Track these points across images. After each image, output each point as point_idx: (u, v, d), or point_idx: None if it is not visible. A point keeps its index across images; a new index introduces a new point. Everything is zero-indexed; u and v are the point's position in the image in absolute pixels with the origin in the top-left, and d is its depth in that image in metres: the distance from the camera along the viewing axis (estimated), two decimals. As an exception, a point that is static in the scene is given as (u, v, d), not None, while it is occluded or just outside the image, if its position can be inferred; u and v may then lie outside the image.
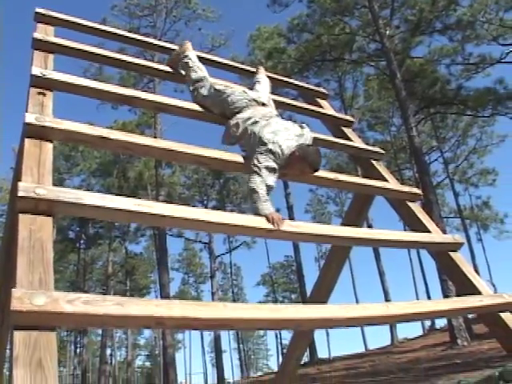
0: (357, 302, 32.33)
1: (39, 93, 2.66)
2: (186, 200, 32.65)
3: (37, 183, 2.03)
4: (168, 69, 3.82)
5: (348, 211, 4.31)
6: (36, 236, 1.84)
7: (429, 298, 26.40)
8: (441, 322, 30.46)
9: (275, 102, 4.14)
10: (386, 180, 3.77)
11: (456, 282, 3.44)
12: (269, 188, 2.82)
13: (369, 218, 27.97)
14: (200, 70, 3.60)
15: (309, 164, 3.01)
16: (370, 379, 11.98)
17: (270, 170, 2.86)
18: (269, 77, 4.72)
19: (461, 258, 3.40)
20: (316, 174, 3.14)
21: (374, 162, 4.00)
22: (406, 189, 3.81)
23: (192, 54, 3.72)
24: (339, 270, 4.17)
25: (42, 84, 2.70)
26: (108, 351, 48.12)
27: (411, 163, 25.81)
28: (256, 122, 3.10)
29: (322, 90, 4.87)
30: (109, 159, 35.38)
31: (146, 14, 28.02)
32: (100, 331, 42.54)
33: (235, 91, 3.38)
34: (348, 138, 4.15)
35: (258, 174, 2.81)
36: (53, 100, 2.69)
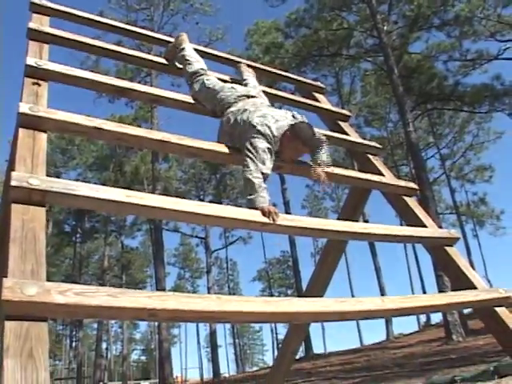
0: (353, 297, 32.36)
1: (34, 83, 2.64)
2: (183, 195, 32.57)
3: (30, 173, 2.02)
4: (165, 61, 3.80)
5: (344, 206, 4.30)
6: (29, 226, 1.83)
7: (424, 293, 26.45)
8: (436, 318, 30.65)
9: (271, 95, 4.14)
10: (382, 174, 3.76)
11: (451, 276, 3.44)
12: (265, 176, 2.76)
13: (365, 214, 27.98)
14: (196, 62, 3.56)
15: (302, 141, 2.94)
16: (365, 374, 12.00)
17: (264, 151, 2.80)
18: (266, 70, 4.71)
19: (456, 252, 3.40)
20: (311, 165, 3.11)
21: (370, 157, 3.98)
22: (402, 183, 3.80)
23: (188, 47, 3.68)
24: (335, 265, 4.16)
25: (37, 74, 2.68)
26: (104, 345, 48.26)
27: (408, 159, 25.86)
28: (245, 111, 3.06)
29: (318, 84, 4.85)
30: (105, 153, 35.37)
31: (143, 7, 27.97)
32: (96, 325, 42.55)
33: (224, 87, 3.34)
34: (345, 132, 4.13)
35: (253, 160, 2.75)
36: (48, 90, 2.67)
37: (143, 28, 4.36)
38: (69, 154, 36.44)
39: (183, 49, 3.65)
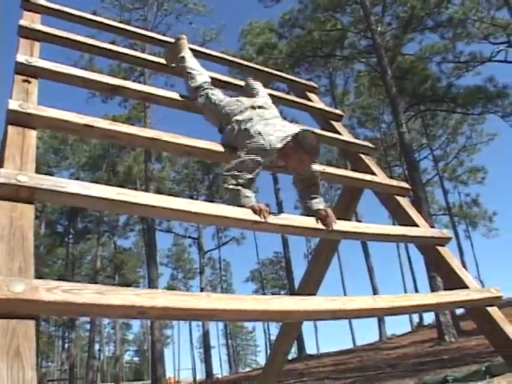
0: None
1: (24, 80, 2.62)
2: (176, 195, 32.52)
3: (19, 171, 2.00)
4: (159, 60, 3.79)
5: (336, 205, 4.29)
6: (17, 224, 1.81)
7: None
8: (429, 319, 30.76)
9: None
10: (375, 174, 3.75)
11: (443, 276, 3.44)
12: (249, 181, 2.71)
13: (358, 215, 28.05)
14: (199, 75, 3.43)
15: (305, 151, 2.74)
16: (358, 374, 12.01)
17: (248, 163, 2.72)
18: (259, 70, 4.70)
19: (448, 252, 3.40)
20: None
21: (363, 156, 3.98)
22: (394, 183, 3.80)
23: (188, 56, 3.57)
24: (327, 264, 4.15)
25: (27, 71, 2.65)
26: (96, 346, 48.15)
27: (401, 160, 25.92)
28: (250, 120, 2.95)
29: (311, 83, 4.85)
30: (98, 153, 35.26)
31: (136, 7, 27.89)
32: (88, 326, 42.40)
33: (230, 102, 3.22)
34: (337, 132, 4.13)
35: (234, 168, 2.71)
36: (38, 88, 2.65)
37: (137, 28, 4.33)
38: (61, 154, 36.30)
39: (183, 58, 3.54)
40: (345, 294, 39.75)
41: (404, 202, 3.68)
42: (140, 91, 3.24)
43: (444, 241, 3.44)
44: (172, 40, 3.95)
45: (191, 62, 3.54)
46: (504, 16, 21.01)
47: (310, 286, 4.08)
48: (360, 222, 24.52)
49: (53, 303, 1.53)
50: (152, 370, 24.83)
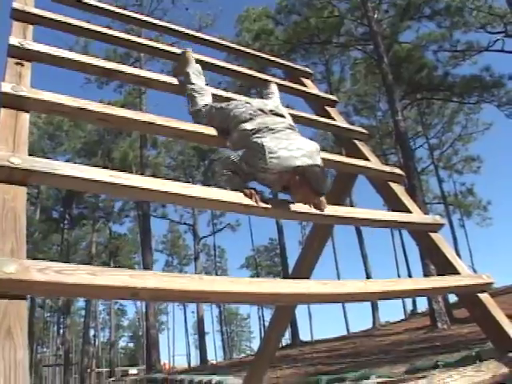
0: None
1: (17, 63, 2.60)
2: (171, 182, 32.46)
3: (12, 153, 2.00)
4: (154, 44, 3.77)
5: (330, 192, 4.30)
6: (9, 205, 1.81)
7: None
8: (422, 307, 30.92)
9: (259, 80, 4.12)
10: (368, 160, 3.76)
11: (436, 262, 3.46)
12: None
13: (353, 203, 28.10)
14: (200, 98, 3.29)
15: (312, 189, 2.49)
16: (351, 360, 12.11)
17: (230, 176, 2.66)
18: (254, 55, 4.69)
19: (441, 238, 3.41)
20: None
21: (357, 143, 3.98)
22: (387, 169, 3.79)
23: (192, 73, 3.42)
24: (320, 251, 4.17)
25: (20, 54, 2.64)
26: (91, 332, 48.34)
27: (396, 148, 25.93)
28: (260, 130, 2.70)
29: (306, 69, 4.83)
30: (93, 139, 35.16)
31: (132, -9, 27.68)
32: (83, 312, 42.49)
33: (238, 104, 3.00)
34: (331, 118, 4.12)
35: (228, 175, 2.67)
36: (33, 73, 2.64)
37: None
38: (57, 140, 36.15)
39: (187, 74, 3.40)
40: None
41: (397, 188, 3.68)
42: (135, 75, 3.22)
43: (436, 227, 3.45)
44: (170, 25, 3.94)
45: (197, 82, 3.38)
46: (501, 5, 20.96)
47: (302, 272, 4.10)
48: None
49: (44, 283, 1.54)
50: (147, 355, 24.99)
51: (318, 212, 2.80)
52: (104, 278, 1.64)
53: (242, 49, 4.69)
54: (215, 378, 11.44)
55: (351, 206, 25.93)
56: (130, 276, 1.70)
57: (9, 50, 2.63)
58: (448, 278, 3.04)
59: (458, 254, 27.55)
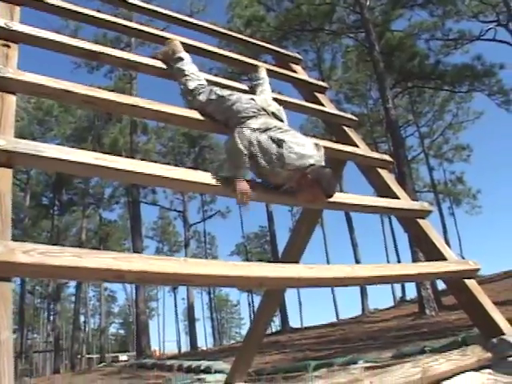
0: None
1: (3, 45, 2.57)
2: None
3: (-3, 135, 1.98)
4: (144, 28, 3.74)
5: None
6: (-6, 187, 1.80)
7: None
8: (411, 294, 31.12)
9: (249, 65, 4.10)
10: (357, 146, 3.77)
11: (423, 249, 3.49)
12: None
13: (343, 191, 28.16)
14: (197, 78, 3.23)
15: (323, 189, 2.61)
16: (339, 346, 12.20)
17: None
18: (245, 41, 4.67)
19: (429, 225, 3.44)
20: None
21: (346, 129, 3.99)
22: (376, 155, 3.81)
23: (186, 58, 3.35)
24: (308, 236, 4.18)
25: (7, 36, 2.61)
26: (82, 318, 48.29)
27: (387, 136, 25.96)
28: (268, 129, 2.72)
29: (296, 55, 4.83)
30: (83, 125, 34.91)
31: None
32: (73, 298, 42.45)
33: (241, 98, 2.95)
34: (321, 104, 4.12)
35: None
36: (20, 55, 2.61)
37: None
38: (46, 126, 35.82)
39: (180, 59, 3.31)
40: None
41: (385, 174, 3.70)
42: (123, 58, 3.18)
43: (424, 213, 3.47)
44: (160, 10, 3.90)
45: (190, 66, 3.31)
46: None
47: (291, 257, 4.11)
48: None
49: (29, 265, 1.54)
50: (137, 342, 25.01)
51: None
52: (90, 261, 1.64)
53: (233, 34, 4.68)
54: (204, 363, 11.49)
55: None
56: (115, 258, 1.70)
57: (-5, 32, 2.60)
58: (435, 264, 3.08)
59: (448, 242, 27.77)
